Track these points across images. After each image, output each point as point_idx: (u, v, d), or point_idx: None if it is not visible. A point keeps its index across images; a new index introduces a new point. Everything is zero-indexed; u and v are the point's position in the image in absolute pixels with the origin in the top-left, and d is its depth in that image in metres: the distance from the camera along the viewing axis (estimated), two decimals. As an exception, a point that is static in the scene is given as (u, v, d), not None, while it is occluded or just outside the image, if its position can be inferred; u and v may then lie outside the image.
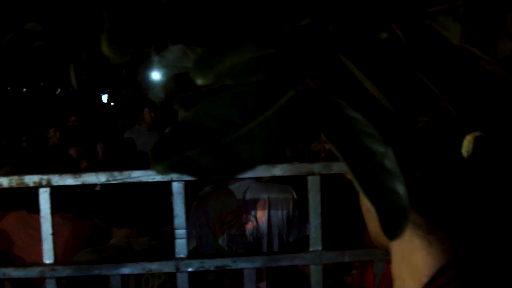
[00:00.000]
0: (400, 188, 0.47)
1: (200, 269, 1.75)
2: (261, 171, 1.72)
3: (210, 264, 1.76)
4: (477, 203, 0.74)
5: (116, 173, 1.70)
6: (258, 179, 2.65)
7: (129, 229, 1.94)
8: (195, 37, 0.63)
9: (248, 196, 2.67)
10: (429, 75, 0.59)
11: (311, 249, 1.72)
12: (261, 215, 2.64)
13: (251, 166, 0.43)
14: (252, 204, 2.67)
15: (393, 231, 0.46)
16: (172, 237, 1.82)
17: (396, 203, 0.46)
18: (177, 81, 0.71)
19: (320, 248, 1.71)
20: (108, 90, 10.26)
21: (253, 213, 2.63)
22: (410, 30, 0.58)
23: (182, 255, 1.74)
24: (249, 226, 2.63)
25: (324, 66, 0.54)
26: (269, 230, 2.63)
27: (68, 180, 1.73)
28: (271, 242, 2.64)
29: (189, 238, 1.81)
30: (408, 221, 0.47)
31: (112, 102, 10.90)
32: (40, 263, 1.75)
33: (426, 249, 0.77)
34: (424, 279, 0.75)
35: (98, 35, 3.03)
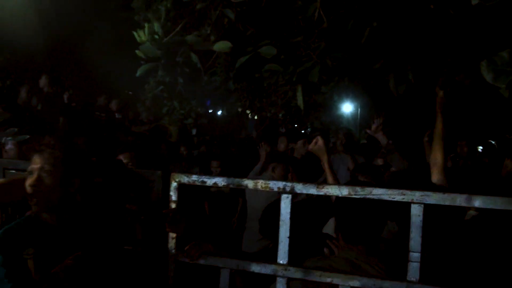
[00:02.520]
0: None
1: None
2: (463, 201, 1.73)
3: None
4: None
5: (358, 188, 1.85)
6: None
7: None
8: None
9: None
10: None
11: None
12: None
13: None
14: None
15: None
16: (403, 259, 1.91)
17: None
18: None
19: None
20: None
21: None
22: None
23: (413, 279, 1.80)
24: None
25: None
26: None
27: (311, 190, 1.93)
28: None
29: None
30: None
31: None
32: (274, 262, 1.99)
33: None
34: None
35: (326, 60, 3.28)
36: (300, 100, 3.48)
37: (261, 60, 3.37)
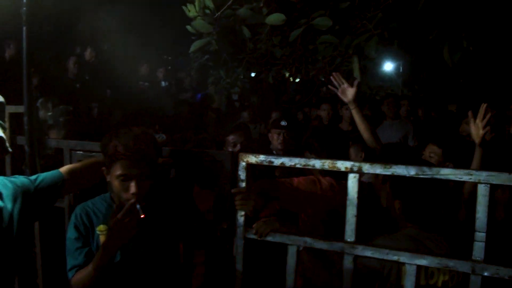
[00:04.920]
0: None
1: (495, 276, 1.89)
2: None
3: (505, 272, 1.88)
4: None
5: (425, 168, 1.94)
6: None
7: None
8: None
9: None
10: None
11: None
12: None
13: None
14: None
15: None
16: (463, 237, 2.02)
17: None
18: None
19: None
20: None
21: None
22: None
23: (478, 258, 1.90)
24: None
25: None
26: None
27: (378, 169, 2.04)
28: None
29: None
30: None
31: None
32: (342, 240, 2.13)
33: None
34: None
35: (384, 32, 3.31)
36: (356, 71, 3.54)
37: (315, 32, 3.44)
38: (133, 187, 2.08)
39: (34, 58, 3.00)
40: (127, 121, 5.12)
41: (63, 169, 2.34)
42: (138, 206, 2.01)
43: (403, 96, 8.95)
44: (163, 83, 8.36)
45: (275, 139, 4.16)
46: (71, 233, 2.26)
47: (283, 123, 4.24)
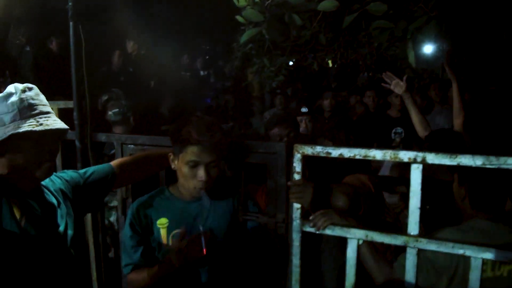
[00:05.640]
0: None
1: None
2: None
3: None
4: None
5: (492, 158, 1.88)
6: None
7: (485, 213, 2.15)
8: None
9: None
10: None
11: None
12: None
13: None
14: None
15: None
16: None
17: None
18: None
19: None
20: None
21: None
22: None
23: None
24: None
25: None
26: None
27: (444, 160, 1.99)
28: None
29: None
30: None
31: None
32: (405, 233, 2.09)
33: None
34: None
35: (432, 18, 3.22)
36: (411, 57, 3.47)
37: (367, 17, 3.37)
38: (202, 174, 2.11)
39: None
40: (179, 111, 5.17)
41: (114, 162, 2.38)
42: (202, 239, 2.05)
43: (447, 80, 8.77)
44: (201, 73, 8.41)
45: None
46: (127, 230, 2.33)
47: (304, 109, 4.23)
